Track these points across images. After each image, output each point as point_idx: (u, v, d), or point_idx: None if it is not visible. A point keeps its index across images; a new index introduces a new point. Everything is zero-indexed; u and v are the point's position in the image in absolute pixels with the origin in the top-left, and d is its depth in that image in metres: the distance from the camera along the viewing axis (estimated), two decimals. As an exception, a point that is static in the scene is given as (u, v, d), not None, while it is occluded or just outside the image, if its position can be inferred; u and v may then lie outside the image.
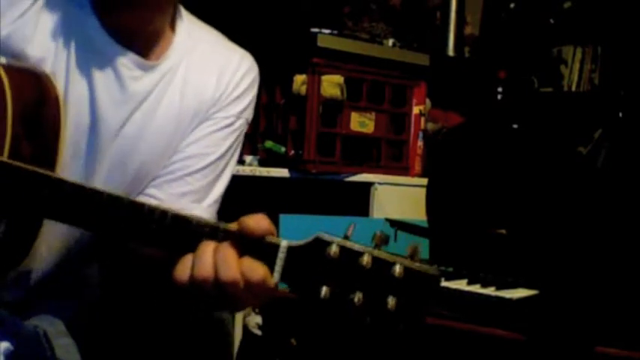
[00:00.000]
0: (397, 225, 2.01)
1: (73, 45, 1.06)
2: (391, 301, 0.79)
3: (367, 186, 2.39)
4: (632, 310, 1.24)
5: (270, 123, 2.38)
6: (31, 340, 1.00)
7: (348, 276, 0.79)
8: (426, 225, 2.02)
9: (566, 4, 2.37)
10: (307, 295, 0.80)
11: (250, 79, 1.24)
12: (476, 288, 1.34)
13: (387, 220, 2.09)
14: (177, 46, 1.15)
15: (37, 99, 0.97)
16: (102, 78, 1.08)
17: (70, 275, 1.16)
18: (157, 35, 1.13)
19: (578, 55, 2.38)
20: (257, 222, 0.84)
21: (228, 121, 1.20)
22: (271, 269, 0.82)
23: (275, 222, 2.37)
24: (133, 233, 0.87)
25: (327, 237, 0.81)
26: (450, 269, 1.46)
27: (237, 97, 1.21)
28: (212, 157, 1.18)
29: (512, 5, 2.44)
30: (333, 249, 0.80)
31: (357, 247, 0.81)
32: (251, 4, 2.38)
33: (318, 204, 2.32)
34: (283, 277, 0.82)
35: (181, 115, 1.15)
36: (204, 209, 1.18)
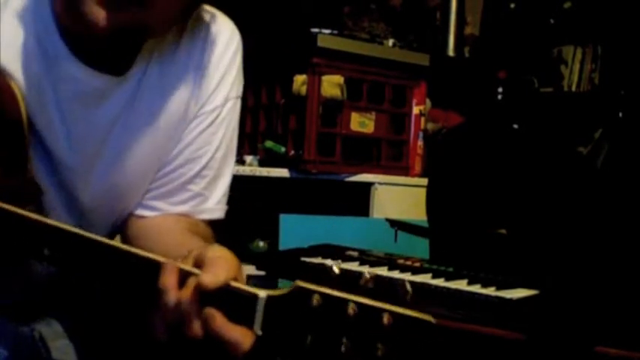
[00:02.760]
0: (397, 225, 2.01)
1: (35, 64, 0.98)
2: (381, 348, 0.74)
3: (367, 186, 2.39)
4: (632, 310, 1.24)
5: (270, 123, 2.38)
6: (27, 344, 0.99)
7: (334, 324, 0.75)
8: (426, 225, 2.02)
9: (566, 4, 2.37)
10: (292, 344, 0.77)
11: (230, 55, 1.12)
12: (476, 288, 1.34)
13: (387, 220, 2.09)
14: (147, 45, 1.04)
15: None
16: (69, 100, 1.01)
17: (70, 278, 1.15)
18: (124, 47, 1.03)
19: (578, 55, 2.38)
20: (215, 276, 0.78)
21: (214, 115, 1.11)
22: (251, 321, 0.78)
23: (275, 222, 2.38)
24: (105, 275, 0.84)
25: (308, 286, 0.77)
26: (450, 269, 1.45)
27: (219, 82, 1.10)
28: (206, 158, 1.11)
29: (512, 5, 2.44)
30: (316, 298, 0.76)
31: (341, 294, 0.76)
32: (251, 4, 2.38)
33: (318, 204, 2.32)
34: (264, 328, 0.78)
35: (163, 122, 1.07)
36: (211, 209, 1.13)
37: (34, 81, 0.98)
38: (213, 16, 1.11)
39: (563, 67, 2.39)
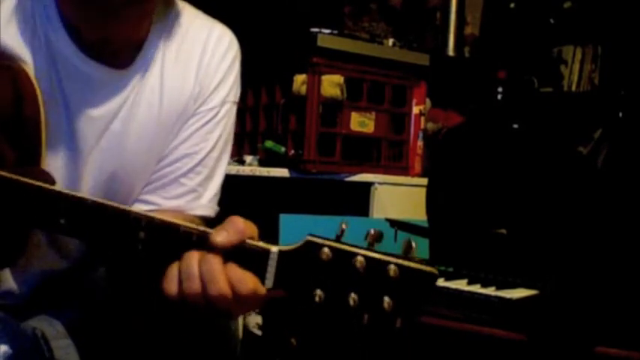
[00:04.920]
0: (397, 225, 2.01)
1: (40, 57, 1.02)
2: (387, 300, 0.77)
3: (367, 186, 2.39)
4: (632, 310, 1.24)
5: (270, 123, 2.38)
6: (29, 343, 0.99)
7: (342, 278, 0.78)
8: (426, 225, 2.02)
9: (566, 4, 2.37)
10: (302, 299, 0.79)
11: (230, 59, 1.17)
12: (476, 288, 1.34)
13: (387, 220, 2.09)
14: (151, 42, 1.09)
15: (14, 97, 0.95)
16: (73, 93, 1.04)
17: (71, 277, 1.16)
18: (128, 41, 1.07)
19: (578, 55, 2.38)
20: (234, 232, 0.83)
21: (212, 114, 1.15)
22: (263, 275, 0.80)
23: (275, 222, 2.38)
24: (120, 242, 0.86)
25: (318, 240, 0.80)
26: (450, 269, 1.46)
27: (218, 84, 1.15)
28: (202, 154, 1.14)
29: (512, 5, 2.44)
30: (325, 251, 0.79)
31: (349, 248, 0.79)
32: (251, 4, 2.38)
33: (318, 204, 2.32)
34: (276, 283, 0.80)
35: (162, 117, 1.11)
36: (204, 206, 1.16)
37: (42, 73, 1.01)
38: (213, 24, 1.17)
39: (563, 67, 2.39)
